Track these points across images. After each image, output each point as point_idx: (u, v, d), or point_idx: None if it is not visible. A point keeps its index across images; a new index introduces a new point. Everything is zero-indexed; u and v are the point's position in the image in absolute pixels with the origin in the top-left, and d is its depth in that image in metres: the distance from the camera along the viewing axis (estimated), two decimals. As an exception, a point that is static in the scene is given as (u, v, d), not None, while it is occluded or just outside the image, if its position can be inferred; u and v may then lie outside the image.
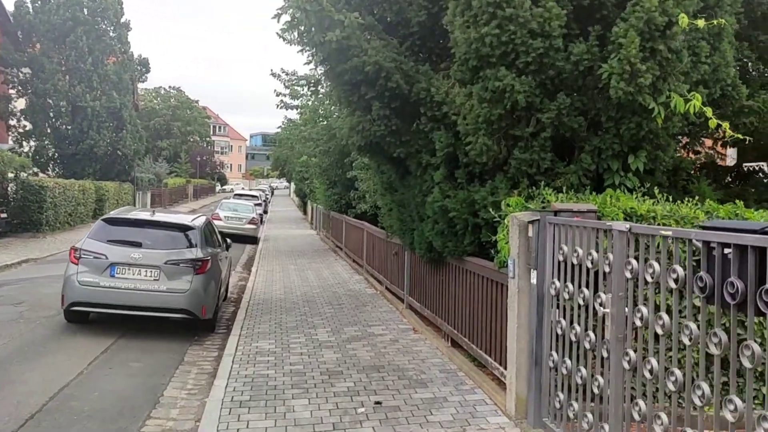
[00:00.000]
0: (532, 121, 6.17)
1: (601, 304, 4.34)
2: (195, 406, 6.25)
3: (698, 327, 3.37)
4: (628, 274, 4.05)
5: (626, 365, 4.05)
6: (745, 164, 9.65)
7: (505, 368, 5.90)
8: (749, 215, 5.74)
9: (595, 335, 4.46)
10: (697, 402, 3.26)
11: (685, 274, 3.51)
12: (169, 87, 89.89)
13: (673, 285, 3.57)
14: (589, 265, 4.52)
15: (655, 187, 6.16)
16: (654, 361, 3.72)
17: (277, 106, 18.60)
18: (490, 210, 6.12)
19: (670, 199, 6.06)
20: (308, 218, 39.26)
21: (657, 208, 5.75)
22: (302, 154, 24.83)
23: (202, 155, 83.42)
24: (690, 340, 3.40)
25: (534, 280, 5.34)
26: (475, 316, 6.90)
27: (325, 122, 19.73)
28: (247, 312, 10.67)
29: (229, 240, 11.88)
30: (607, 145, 6.10)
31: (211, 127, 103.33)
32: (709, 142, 9.19)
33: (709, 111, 5.49)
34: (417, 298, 9.63)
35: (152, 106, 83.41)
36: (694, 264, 3.48)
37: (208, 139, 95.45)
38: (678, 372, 3.51)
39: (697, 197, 6.15)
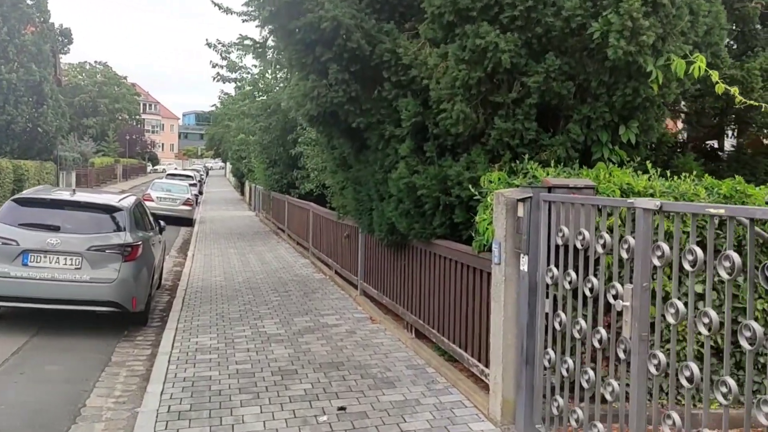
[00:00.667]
0: (515, 85, 5.44)
1: (616, 296, 3.67)
2: (124, 419, 5.28)
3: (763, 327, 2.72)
4: (657, 262, 3.37)
5: (653, 369, 3.38)
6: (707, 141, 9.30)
7: (487, 366, 5.20)
8: (752, 192, 5.21)
9: (608, 332, 3.80)
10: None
11: (742, 263, 2.85)
12: (95, 62, 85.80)
13: (725, 275, 2.90)
14: (600, 250, 3.84)
15: (648, 162, 5.55)
16: (695, 368, 3.06)
17: (213, 78, 17.35)
18: (469, 187, 5.37)
19: (658, 175, 5.49)
20: (246, 199, 37.88)
21: (654, 183, 5.14)
22: (240, 131, 23.56)
23: (131, 134, 79.95)
24: (752, 343, 2.75)
25: (525, 267, 4.63)
26: (447, 306, 6.17)
27: (265, 97, 18.59)
28: (184, 302, 9.66)
29: (162, 222, 10.77)
30: (598, 114, 5.44)
31: (141, 105, 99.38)
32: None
33: (715, 74, 4.90)
34: (374, 285, 8.86)
35: (77, 82, 79.28)
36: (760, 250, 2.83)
37: (138, 117, 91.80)
38: (731, 382, 2.85)
39: (684, 173, 5.59)
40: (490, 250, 5.05)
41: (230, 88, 19.48)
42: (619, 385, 3.69)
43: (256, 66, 18.39)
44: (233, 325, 8.08)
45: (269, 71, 18.48)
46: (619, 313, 3.66)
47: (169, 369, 6.23)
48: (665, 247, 3.31)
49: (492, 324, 5.01)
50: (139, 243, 7.95)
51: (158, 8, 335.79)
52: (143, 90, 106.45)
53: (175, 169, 57.38)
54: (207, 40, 16.53)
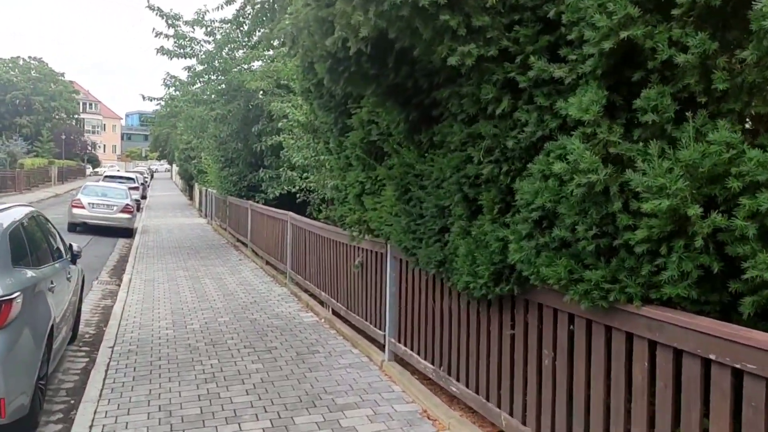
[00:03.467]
0: None
1: None
2: None
3: None
4: None
5: None
6: None
7: None
8: None
9: None
10: None
11: None
12: (29, 57, 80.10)
13: None
14: None
15: None
16: None
17: (157, 52, 13.69)
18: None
19: None
20: (196, 204, 33.86)
21: None
22: (188, 129, 19.81)
23: (68, 134, 74.26)
24: None
25: None
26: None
27: (221, 79, 14.95)
28: (108, 372, 6.09)
29: (76, 247, 7.14)
30: None
31: (81, 104, 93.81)
32: None
33: None
34: (426, 354, 5.42)
35: (9, 78, 73.63)
36: None
37: (77, 116, 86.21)
38: None
39: None
40: None
41: (177, 70, 15.68)
42: None
43: (209, 42, 14.76)
44: (189, 430, 4.58)
45: (226, 49, 14.85)
46: None
47: None
48: None
49: None
50: (14, 296, 4.36)
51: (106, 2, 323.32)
52: (83, 88, 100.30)
53: (118, 171, 52.69)
54: (148, 2, 12.90)
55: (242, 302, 9.49)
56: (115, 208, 20.00)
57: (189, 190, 41.93)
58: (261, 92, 14.51)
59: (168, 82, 15.52)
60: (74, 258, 6.98)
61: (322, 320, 8.18)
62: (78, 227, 19.74)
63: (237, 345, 7.10)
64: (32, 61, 79.65)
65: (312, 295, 9.40)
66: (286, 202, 14.43)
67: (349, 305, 7.39)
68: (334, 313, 8.15)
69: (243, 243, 16.31)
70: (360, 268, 6.89)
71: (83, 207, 19.64)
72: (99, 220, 19.63)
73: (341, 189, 6.58)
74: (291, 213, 10.82)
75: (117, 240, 19.00)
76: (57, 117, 77.89)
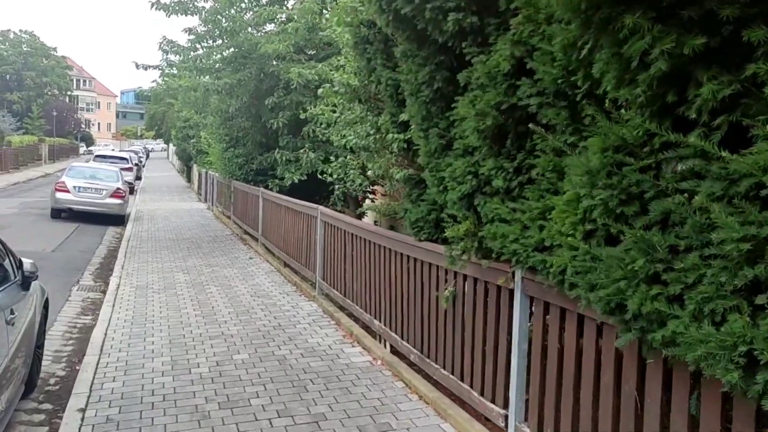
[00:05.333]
0: None
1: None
2: None
3: None
4: None
5: None
6: None
7: None
8: None
9: None
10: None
11: None
12: (20, 31, 77.40)
13: None
14: None
15: None
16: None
17: (152, 5, 11.25)
18: None
19: None
20: (194, 186, 31.51)
21: None
22: (189, 100, 17.51)
23: (60, 110, 71.56)
24: None
25: None
26: None
27: (228, 43, 12.56)
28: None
29: (29, 265, 4.87)
30: None
31: (75, 80, 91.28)
32: None
33: None
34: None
35: (-1, 52, 71.16)
36: None
37: (70, 93, 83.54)
38: None
39: None
40: None
41: (176, 32, 13.22)
42: None
43: (214, -1, 12.36)
44: None
45: (234, 7, 12.47)
46: None
47: None
48: None
49: None
50: None
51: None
52: (76, 64, 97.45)
53: (112, 150, 50.13)
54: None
55: (262, 325, 7.22)
56: (104, 192, 17.65)
57: (187, 172, 39.56)
58: (274, 60, 12.14)
59: (165, 47, 13.11)
60: (26, 281, 4.71)
61: (378, 362, 5.91)
62: (63, 213, 17.44)
63: (266, 407, 4.85)
64: (23, 35, 76.98)
65: (351, 314, 7.17)
66: (300, 189, 12.16)
67: (428, 350, 5.12)
68: (394, 350, 5.91)
69: (251, 236, 14.02)
70: (451, 301, 4.62)
71: (68, 191, 17.30)
72: (86, 206, 17.31)
73: (433, 183, 4.29)
74: (321, 207, 8.52)
75: (106, 229, 16.70)
76: (49, 93, 75.39)
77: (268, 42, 11.26)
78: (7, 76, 72.06)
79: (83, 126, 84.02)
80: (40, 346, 5.50)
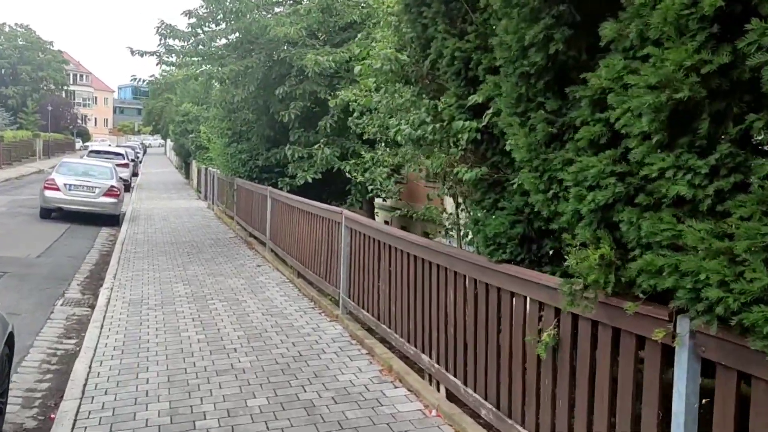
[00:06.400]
0: None
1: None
2: None
3: None
4: None
5: None
6: None
7: None
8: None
9: None
10: None
11: None
12: (16, 24, 76.15)
13: None
14: None
15: None
16: None
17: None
18: None
19: None
20: (193, 184, 30.23)
21: None
22: (188, 92, 16.28)
23: (56, 105, 70.23)
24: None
25: None
26: None
27: (234, 26, 11.31)
28: None
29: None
30: None
31: (71, 75, 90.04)
32: None
33: None
34: None
35: (-6, 46, 69.92)
36: None
37: (66, 88, 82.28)
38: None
39: None
40: None
41: (175, 18, 11.98)
42: None
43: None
44: None
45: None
46: None
47: None
48: None
49: None
50: None
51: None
52: (73, 59, 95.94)
53: (109, 145, 48.74)
54: None
55: (280, 355, 5.98)
56: (97, 190, 16.38)
57: (185, 168, 38.26)
58: (285, 45, 10.89)
59: (163, 31, 11.84)
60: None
61: (433, 412, 4.67)
62: (53, 213, 16.19)
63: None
64: (18, 29, 75.62)
65: (383, 339, 5.96)
66: (311, 188, 10.93)
67: (509, 408, 3.87)
68: (450, 394, 4.68)
69: (258, 240, 12.78)
70: (550, 349, 3.39)
71: (58, 189, 16.03)
72: (77, 206, 16.06)
73: (536, 186, 3.06)
74: (346, 211, 7.27)
75: (99, 230, 15.47)
76: (45, 88, 74.04)
77: (279, 24, 10.02)
78: (2, 71, 70.71)
79: (80, 121, 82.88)
80: (2, 394, 4.28)
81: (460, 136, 3.82)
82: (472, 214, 4.10)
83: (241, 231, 14.74)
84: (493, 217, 3.76)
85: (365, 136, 6.67)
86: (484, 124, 3.77)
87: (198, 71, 11.62)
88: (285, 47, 10.77)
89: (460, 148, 3.94)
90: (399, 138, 4.31)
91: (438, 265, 4.74)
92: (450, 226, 6.38)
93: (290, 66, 10.60)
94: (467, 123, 3.77)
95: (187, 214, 19.25)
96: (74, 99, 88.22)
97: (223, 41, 11.72)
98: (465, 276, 4.34)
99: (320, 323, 7.14)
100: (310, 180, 10.47)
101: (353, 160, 9.56)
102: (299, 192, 10.55)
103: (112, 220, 16.67)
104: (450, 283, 4.57)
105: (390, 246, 5.76)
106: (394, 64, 4.59)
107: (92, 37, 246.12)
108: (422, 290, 5.07)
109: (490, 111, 3.72)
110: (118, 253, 11.80)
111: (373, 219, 10.28)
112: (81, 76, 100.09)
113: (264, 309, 7.77)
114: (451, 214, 6.41)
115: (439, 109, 4.13)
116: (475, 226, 3.99)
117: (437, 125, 4.13)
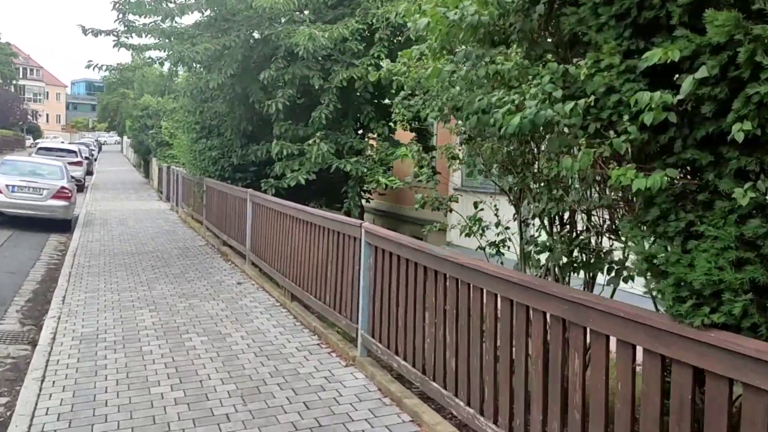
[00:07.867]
0: None
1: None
2: None
3: None
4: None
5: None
6: None
7: None
8: None
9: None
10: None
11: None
12: (-41, 15, 72.23)
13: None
14: None
15: None
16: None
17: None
18: None
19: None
20: (153, 183, 28.08)
21: None
22: (152, 74, 14.40)
23: (4, 100, 66.62)
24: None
25: None
26: None
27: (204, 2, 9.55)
28: None
29: None
30: None
31: (21, 69, 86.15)
32: None
33: None
34: None
35: (-65, 37, 66.02)
36: None
37: (15, 82, 78.39)
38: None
39: None
40: None
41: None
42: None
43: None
44: None
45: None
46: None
47: None
48: None
49: None
50: None
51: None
52: (23, 52, 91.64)
53: (62, 142, 45.85)
54: None
55: (291, 425, 4.33)
56: (45, 192, 14.36)
57: (145, 166, 35.94)
58: (269, 21, 9.19)
59: (121, 6, 10.00)
60: None
61: None
62: (-7, 218, 14.16)
63: None
64: (-38, 19, 71.77)
65: (425, 395, 4.40)
66: (300, 191, 9.31)
67: None
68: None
69: (234, 249, 11.03)
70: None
71: (0, 191, 13.97)
72: (22, 209, 14.06)
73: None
74: (365, 223, 5.65)
75: (47, 238, 13.50)
76: (-9, 82, 70.34)
77: (264, -6, 8.31)
78: (-56, 64, 66.97)
79: (30, 117, 79.02)
80: None
81: (642, 117, 2.28)
82: (635, 244, 2.55)
83: (213, 238, 12.96)
84: (701, 251, 2.21)
85: (414, 124, 5.09)
86: (681, 97, 2.24)
87: (167, 53, 9.80)
88: (268, 23, 9.07)
89: (631, 137, 2.39)
90: (509, 126, 2.70)
91: (552, 316, 3.16)
92: (499, 242, 4.86)
93: (276, 46, 8.91)
94: (656, 95, 2.24)
95: (149, 218, 17.31)
96: (24, 94, 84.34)
97: (194, 19, 9.95)
98: (633, 346, 2.75)
99: (334, 369, 5.50)
100: (303, 181, 8.79)
101: (354, 158, 7.94)
102: (284, 195, 8.90)
103: (63, 225, 14.69)
104: (577, 346, 3.00)
105: (446, 276, 4.18)
106: (492, 6, 2.95)
107: (43, 30, 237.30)
108: (509, 347, 3.50)
109: (694, 76, 2.17)
110: (68, 268, 9.94)
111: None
112: (31, 69, 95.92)
113: (256, 347, 6.10)
114: (506, 227, 4.87)
115: (581, 76, 2.57)
116: (647, 265, 2.44)
117: (582, 101, 2.56)
